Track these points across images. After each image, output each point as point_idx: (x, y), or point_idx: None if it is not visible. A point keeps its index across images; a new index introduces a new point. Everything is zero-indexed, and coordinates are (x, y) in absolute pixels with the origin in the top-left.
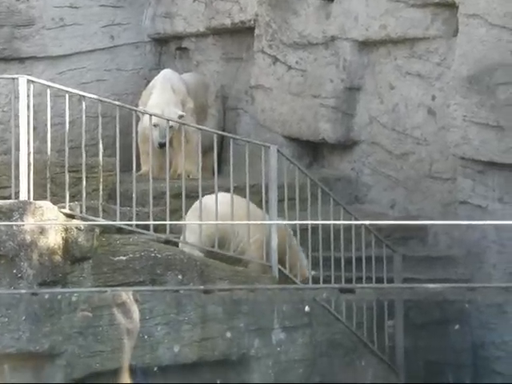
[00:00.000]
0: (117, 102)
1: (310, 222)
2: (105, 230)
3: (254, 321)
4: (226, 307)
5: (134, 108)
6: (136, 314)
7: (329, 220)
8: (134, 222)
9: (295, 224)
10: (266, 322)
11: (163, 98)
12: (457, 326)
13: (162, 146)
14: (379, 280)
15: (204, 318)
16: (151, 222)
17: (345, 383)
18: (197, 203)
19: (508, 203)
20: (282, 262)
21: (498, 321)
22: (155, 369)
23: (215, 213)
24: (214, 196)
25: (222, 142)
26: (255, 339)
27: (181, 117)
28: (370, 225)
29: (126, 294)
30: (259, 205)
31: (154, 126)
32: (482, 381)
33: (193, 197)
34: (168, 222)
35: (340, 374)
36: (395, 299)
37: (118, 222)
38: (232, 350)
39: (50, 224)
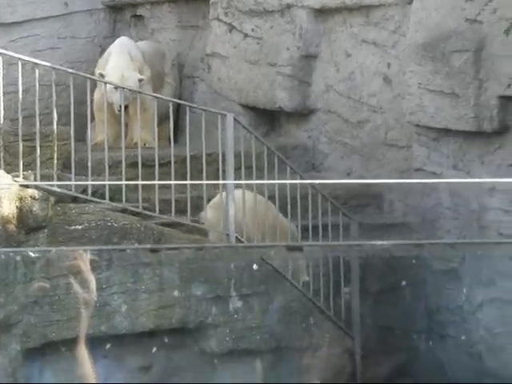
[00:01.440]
0: (71, 70)
1: (288, 181)
2: (60, 199)
3: (210, 289)
4: (183, 276)
5: (89, 76)
6: (92, 284)
7: (285, 189)
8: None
9: (255, 192)
10: (222, 290)
11: (121, 62)
12: (403, 283)
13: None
14: (335, 248)
15: (161, 287)
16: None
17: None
18: (216, 198)
19: (462, 170)
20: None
21: (453, 286)
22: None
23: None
24: (237, 191)
25: (179, 110)
26: (212, 307)
27: (140, 80)
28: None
29: (84, 264)
30: (216, 173)
31: (115, 89)
32: (435, 345)
33: (149, 166)
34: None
35: (296, 340)
36: (351, 262)
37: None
38: (189, 317)
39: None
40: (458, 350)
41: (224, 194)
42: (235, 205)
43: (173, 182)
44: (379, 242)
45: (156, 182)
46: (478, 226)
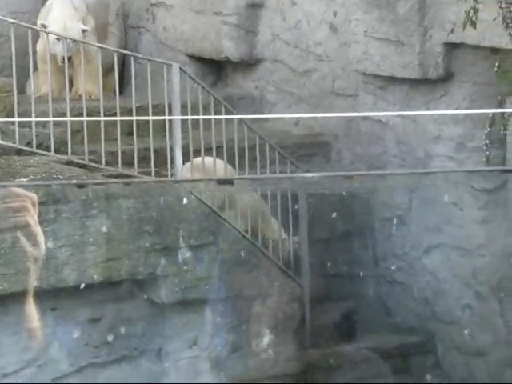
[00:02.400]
0: (12, 20)
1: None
2: (4, 151)
3: (159, 240)
4: (132, 228)
5: (31, 26)
6: (40, 237)
7: (233, 139)
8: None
9: (200, 143)
10: (171, 241)
11: (64, 13)
12: (334, 215)
13: (68, 60)
14: (284, 196)
15: (109, 239)
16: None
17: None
18: (187, 164)
19: (408, 117)
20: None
21: (400, 233)
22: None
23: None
24: (208, 159)
25: (124, 61)
26: (161, 258)
27: (84, 31)
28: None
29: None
30: (162, 124)
31: (57, 39)
32: (382, 291)
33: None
34: None
35: (246, 289)
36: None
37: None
38: (138, 269)
39: None
40: (404, 296)
41: (205, 158)
42: (206, 173)
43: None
44: (310, 175)
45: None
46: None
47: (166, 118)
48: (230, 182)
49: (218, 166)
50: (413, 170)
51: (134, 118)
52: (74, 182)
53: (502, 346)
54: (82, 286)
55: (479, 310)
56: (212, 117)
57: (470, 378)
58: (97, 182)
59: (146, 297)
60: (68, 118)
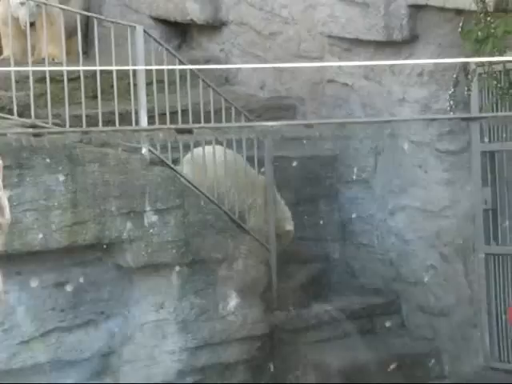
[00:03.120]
0: None
1: None
2: None
3: (125, 204)
4: (97, 192)
5: None
6: (5, 203)
7: (198, 103)
8: None
9: (165, 107)
10: (137, 205)
11: None
12: (295, 163)
13: (30, 24)
14: (250, 159)
15: (74, 203)
16: None
17: None
18: (187, 156)
19: (373, 80)
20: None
21: (365, 195)
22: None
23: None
24: (206, 149)
25: (88, 23)
26: (127, 222)
27: None
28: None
29: None
30: (127, 88)
31: (21, 3)
32: (348, 253)
33: (58, 80)
34: None
35: (213, 252)
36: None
37: None
38: (104, 233)
39: None
40: (370, 257)
41: (201, 148)
42: (206, 161)
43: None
44: (270, 123)
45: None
46: (390, 134)
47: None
48: (189, 131)
49: (218, 154)
50: (373, 119)
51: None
52: (31, 130)
53: (466, 305)
54: (48, 250)
55: (443, 270)
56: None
57: (434, 337)
58: (54, 131)
59: (112, 261)
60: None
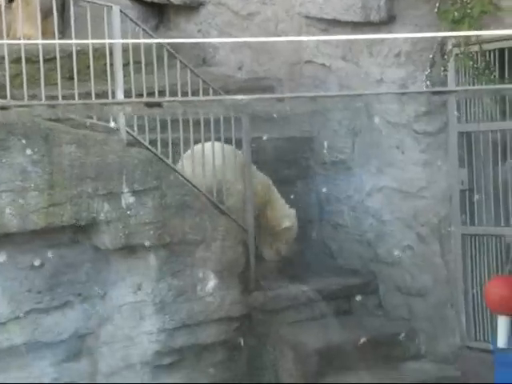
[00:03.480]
0: None
1: None
2: None
3: (102, 185)
4: (74, 173)
5: None
6: None
7: (176, 84)
8: None
9: (142, 87)
10: (114, 186)
11: None
12: (264, 137)
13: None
14: (228, 141)
15: (50, 184)
16: None
17: None
18: (188, 152)
19: (350, 61)
20: (262, 215)
21: (343, 176)
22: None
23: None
24: (206, 145)
25: (64, 3)
26: (104, 203)
27: None
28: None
29: None
30: (104, 68)
31: None
32: (326, 234)
33: (34, 61)
34: None
35: (190, 234)
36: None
37: None
38: (81, 214)
39: None
40: (347, 238)
41: (201, 145)
42: (206, 158)
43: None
44: (239, 97)
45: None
46: (367, 115)
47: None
48: (158, 104)
49: (217, 150)
50: (343, 93)
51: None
52: None
53: (443, 285)
54: (24, 232)
55: (420, 251)
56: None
57: (411, 317)
58: (21, 104)
59: (89, 242)
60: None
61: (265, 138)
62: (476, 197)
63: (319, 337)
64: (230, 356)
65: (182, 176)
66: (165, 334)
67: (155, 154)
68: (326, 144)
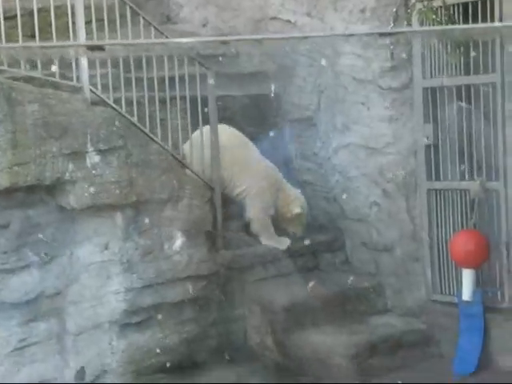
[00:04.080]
0: None
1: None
2: None
3: (66, 145)
4: (38, 132)
5: None
6: None
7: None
8: None
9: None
10: (79, 145)
11: None
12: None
13: None
14: (193, 99)
15: (14, 144)
16: None
17: None
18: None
19: (315, 17)
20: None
21: (309, 134)
22: None
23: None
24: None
25: None
26: (69, 163)
27: None
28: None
29: None
30: (66, 26)
31: None
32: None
33: None
34: None
35: (157, 193)
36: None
37: None
38: (45, 174)
39: None
40: (315, 196)
41: (202, 130)
42: (213, 143)
43: None
44: (184, 40)
45: None
46: (332, 72)
47: None
48: (100, 48)
49: (227, 135)
50: (288, 35)
51: (36, 19)
52: None
53: (409, 240)
54: None
55: (386, 206)
56: None
57: (377, 272)
58: None
59: (54, 202)
60: None
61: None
62: (441, 152)
63: (287, 293)
64: (198, 314)
65: (148, 135)
66: (132, 292)
67: (120, 113)
68: (292, 101)
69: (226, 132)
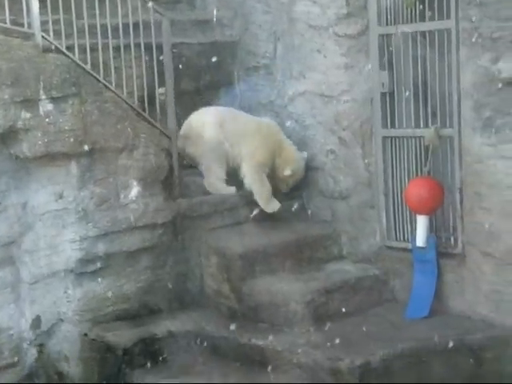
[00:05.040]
0: None
1: None
2: None
3: (19, 92)
4: None
5: None
6: None
7: None
8: None
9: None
10: (31, 93)
11: None
12: (214, 59)
13: None
14: (148, 46)
15: None
16: None
17: None
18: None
19: None
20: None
21: (265, 82)
22: None
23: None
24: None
25: None
26: (22, 111)
27: None
28: None
29: None
30: None
31: None
32: None
33: None
34: None
35: (112, 141)
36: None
37: None
38: None
39: None
40: None
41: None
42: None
43: None
44: None
45: None
46: (288, 19)
47: None
48: None
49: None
50: None
51: None
52: None
53: (364, 188)
54: None
55: (342, 154)
56: None
57: (333, 219)
58: None
59: (7, 151)
60: None
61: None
62: (396, 99)
63: (243, 241)
64: (154, 262)
65: (103, 82)
66: (88, 241)
67: (73, 60)
68: (248, 48)
69: (219, 111)
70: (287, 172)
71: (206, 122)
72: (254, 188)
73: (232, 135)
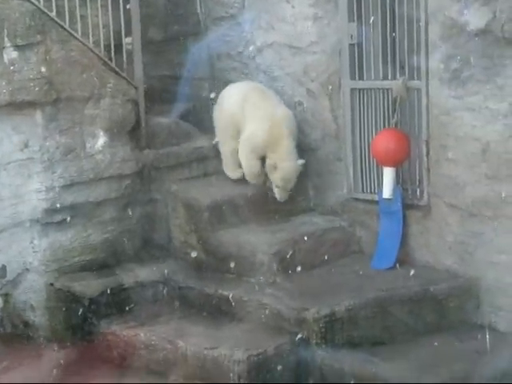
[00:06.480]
0: None
1: None
2: None
3: None
4: None
5: None
6: None
7: None
8: None
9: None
10: None
11: None
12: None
13: None
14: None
15: None
16: None
17: None
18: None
19: None
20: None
21: (234, 32)
22: None
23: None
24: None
25: None
26: None
27: None
28: None
29: None
30: None
31: None
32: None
33: None
34: None
35: (78, 90)
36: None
37: None
38: None
39: None
40: None
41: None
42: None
43: None
44: None
45: None
46: None
47: None
48: None
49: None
50: None
51: None
52: None
53: (332, 140)
54: None
55: (310, 106)
56: None
57: (301, 172)
58: None
59: None
60: None
61: None
62: (364, 51)
63: (211, 193)
64: (121, 213)
65: (68, 30)
66: (54, 191)
67: (38, 7)
68: None
69: (249, 86)
70: (276, 174)
71: (231, 93)
72: (241, 160)
73: (248, 111)
